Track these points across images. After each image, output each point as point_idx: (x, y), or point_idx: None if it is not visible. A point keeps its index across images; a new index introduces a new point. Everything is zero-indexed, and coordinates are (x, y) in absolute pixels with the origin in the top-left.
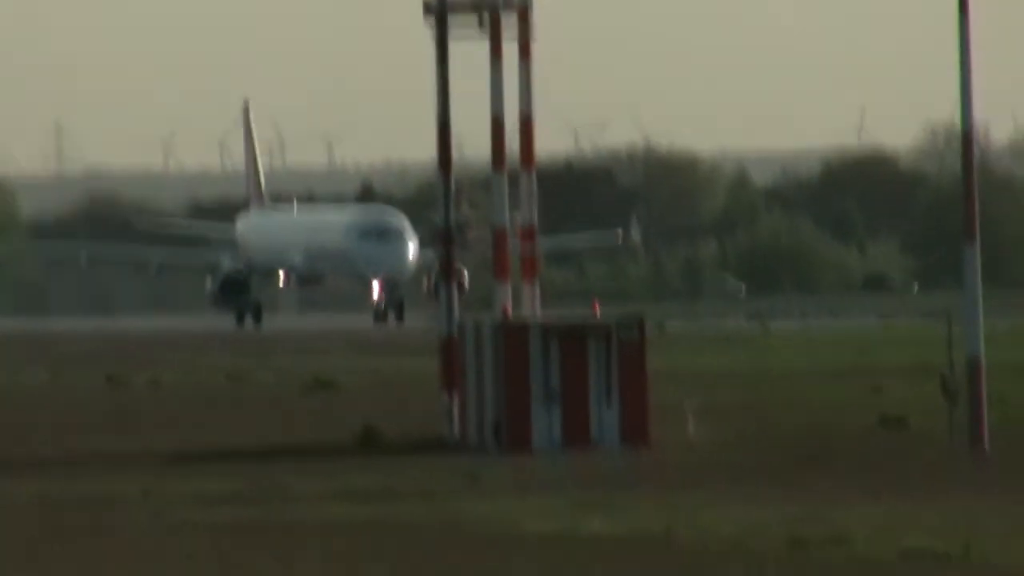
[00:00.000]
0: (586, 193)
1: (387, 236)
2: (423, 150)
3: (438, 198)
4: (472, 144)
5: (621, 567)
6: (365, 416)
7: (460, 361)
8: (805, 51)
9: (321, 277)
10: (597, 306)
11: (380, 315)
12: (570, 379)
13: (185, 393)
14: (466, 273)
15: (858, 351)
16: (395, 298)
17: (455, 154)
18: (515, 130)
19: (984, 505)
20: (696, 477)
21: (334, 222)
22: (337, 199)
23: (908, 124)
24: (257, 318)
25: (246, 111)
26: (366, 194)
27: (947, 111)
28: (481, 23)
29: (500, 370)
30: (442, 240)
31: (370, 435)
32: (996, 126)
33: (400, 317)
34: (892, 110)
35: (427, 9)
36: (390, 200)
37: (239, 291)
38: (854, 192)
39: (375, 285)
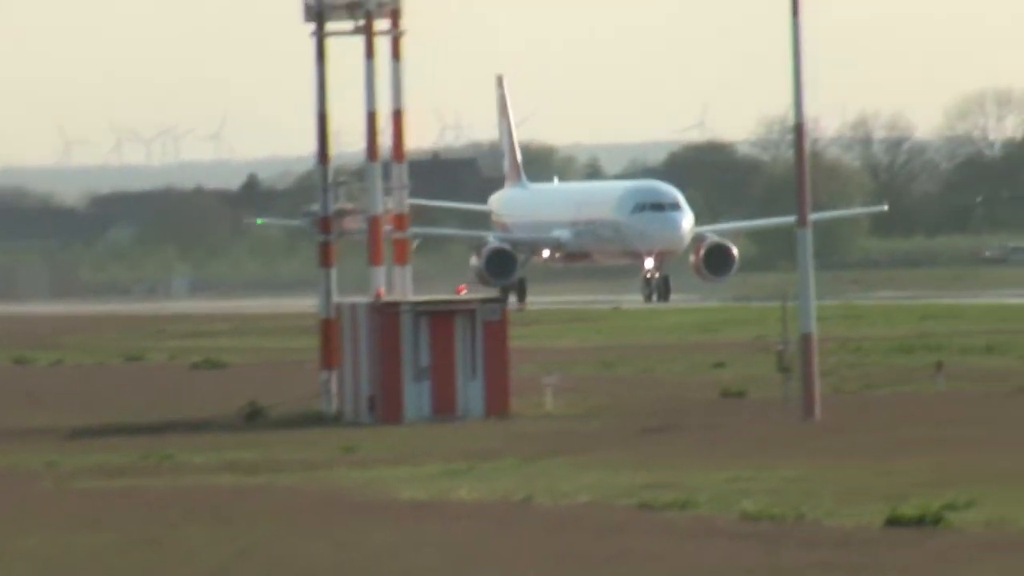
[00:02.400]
0: (452, 182)
1: (664, 208)
2: (305, 145)
3: (317, 189)
4: (348, 138)
5: (487, 530)
6: (251, 394)
7: (338, 341)
8: (651, 50)
9: (589, 252)
10: (463, 288)
11: (650, 292)
12: (438, 356)
13: (86, 373)
14: (735, 251)
15: (703, 328)
16: (662, 274)
17: (333, 147)
18: (387, 124)
19: (816, 470)
20: (554, 446)
21: (604, 195)
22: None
23: (745, 117)
24: (521, 295)
25: (501, 86)
26: (252, 186)
27: (782, 105)
28: (356, 23)
29: (374, 348)
30: (321, 228)
31: (255, 411)
32: (826, 118)
33: (666, 296)
34: (731, 105)
35: (307, 10)
36: (272, 192)
37: (506, 268)
38: (697, 180)
39: (648, 260)
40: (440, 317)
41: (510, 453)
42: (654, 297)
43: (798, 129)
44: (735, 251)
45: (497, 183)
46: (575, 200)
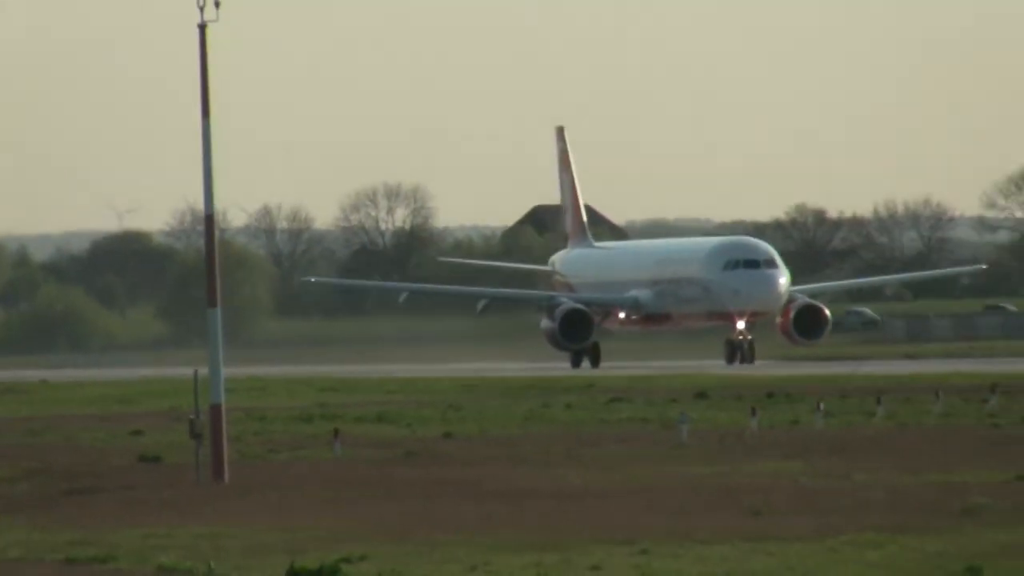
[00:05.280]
0: None
1: (759, 264)
2: None
3: None
4: None
5: None
6: None
7: None
8: (73, 142)
9: (670, 314)
10: None
11: (739, 355)
12: None
13: None
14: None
15: (122, 400)
16: (747, 337)
17: None
18: None
19: (225, 528)
20: None
21: (689, 252)
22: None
23: (161, 207)
24: (595, 360)
25: (562, 138)
26: None
27: (195, 197)
28: None
29: None
30: None
31: None
32: (233, 210)
33: (751, 359)
34: (148, 196)
35: None
36: None
37: (581, 330)
38: (118, 267)
39: (739, 322)
40: None
41: None
42: (737, 361)
43: (208, 220)
44: (827, 312)
45: None
46: (655, 258)
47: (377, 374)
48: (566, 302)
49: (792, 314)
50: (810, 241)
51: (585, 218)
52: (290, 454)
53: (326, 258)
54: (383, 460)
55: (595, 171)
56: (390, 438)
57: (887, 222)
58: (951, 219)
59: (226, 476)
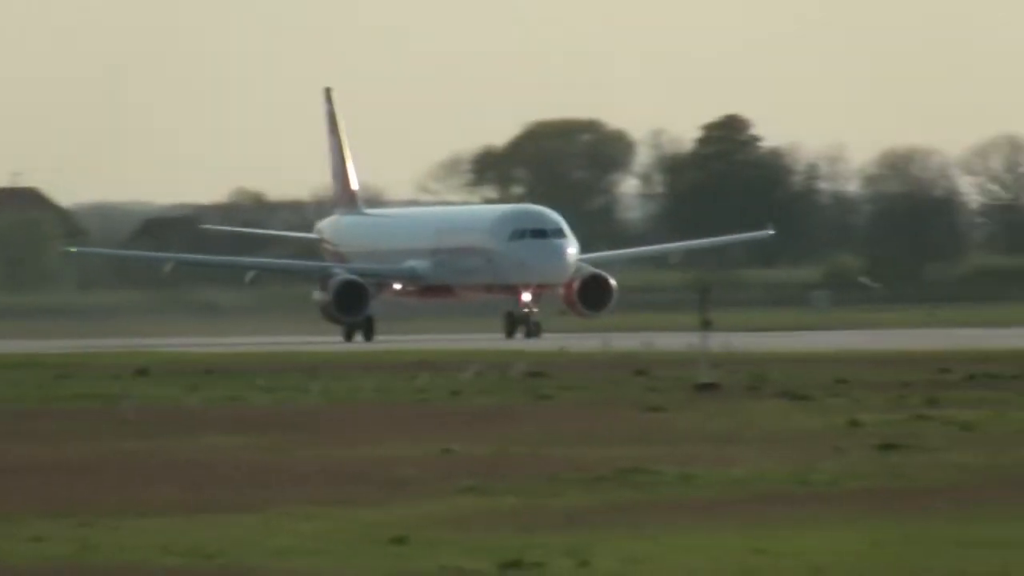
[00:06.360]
0: None
1: (546, 235)
2: None
3: None
4: None
5: None
6: None
7: None
8: None
9: (450, 286)
10: None
11: (526, 329)
12: None
13: None
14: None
15: None
16: (532, 311)
17: None
18: None
19: None
20: None
21: (471, 220)
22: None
23: None
24: (368, 334)
25: (329, 98)
26: None
27: None
28: None
29: None
30: None
31: None
32: None
33: (537, 333)
34: None
35: None
36: None
37: (357, 302)
38: None
39: (525, 294)
40: None
41: None
42: (520, 335)
43: None
44: (613, 282)
45: None
46: (434, 226)
47: None
48: (340, 273)
49: (577, 285)
50: (251, 223)
51: (356, 186)
52: None
53: None
54: None
55: (47, 151)
56: None
57: (326, 206)
58: (385, 204)
59: None
